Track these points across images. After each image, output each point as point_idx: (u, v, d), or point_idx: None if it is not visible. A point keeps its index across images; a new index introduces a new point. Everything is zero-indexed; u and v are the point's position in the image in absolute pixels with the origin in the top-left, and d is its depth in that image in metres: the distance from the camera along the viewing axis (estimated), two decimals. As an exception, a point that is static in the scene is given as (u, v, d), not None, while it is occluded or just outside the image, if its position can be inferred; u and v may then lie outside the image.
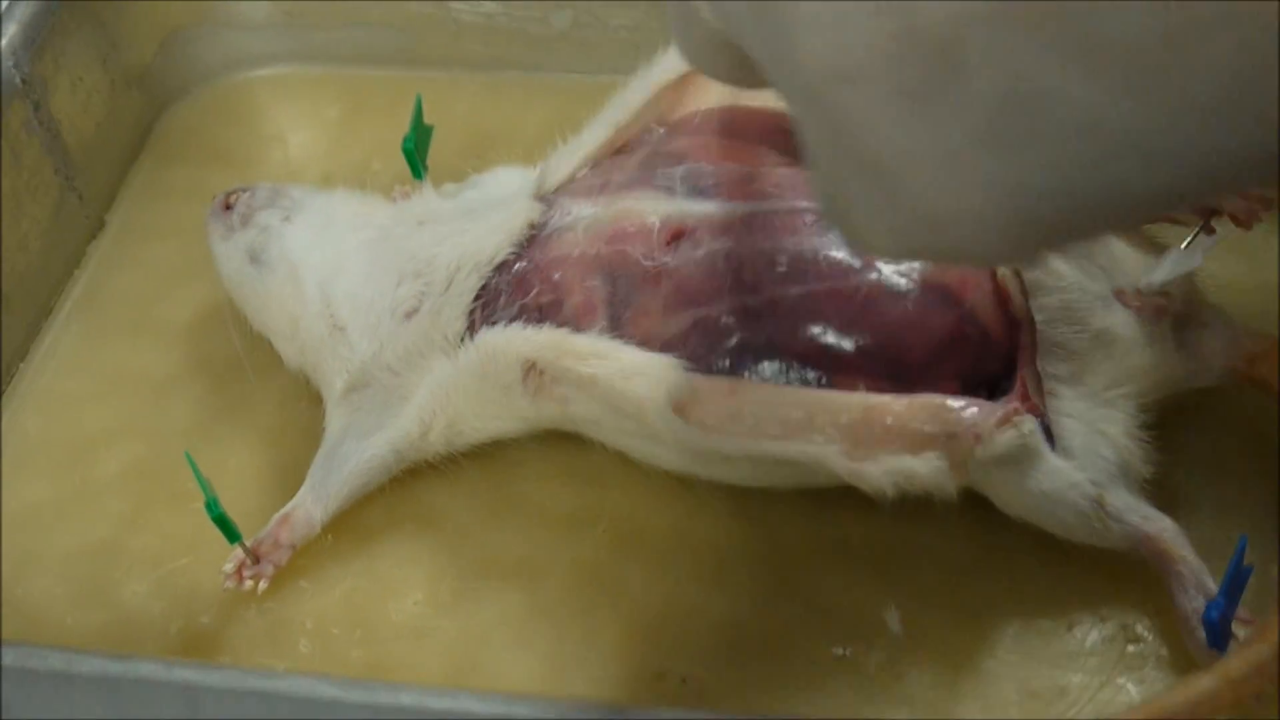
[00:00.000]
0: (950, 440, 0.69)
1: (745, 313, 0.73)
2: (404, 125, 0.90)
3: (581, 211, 0.79)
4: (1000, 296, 0.72)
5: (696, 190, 0.78)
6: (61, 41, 0.94)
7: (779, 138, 0.80)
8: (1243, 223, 0.73)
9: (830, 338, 0.72)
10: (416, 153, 0.89)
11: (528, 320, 0.77)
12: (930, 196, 0.43)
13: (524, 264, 0.79)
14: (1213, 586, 0.67)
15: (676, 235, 0.76)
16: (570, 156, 0.83)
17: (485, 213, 0.81)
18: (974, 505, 0.72)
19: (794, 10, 0.44)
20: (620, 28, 1.01)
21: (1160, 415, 0.73)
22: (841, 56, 0.43)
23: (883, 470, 0.69)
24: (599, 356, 0.74)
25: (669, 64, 0.83)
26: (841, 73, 0.43)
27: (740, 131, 0.81)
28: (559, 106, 1.00)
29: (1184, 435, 0.76)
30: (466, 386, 0.78)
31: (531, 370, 0.76)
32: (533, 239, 0.80)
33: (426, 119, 0.91)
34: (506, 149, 0.90)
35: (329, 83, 1.07)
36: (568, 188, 0.82)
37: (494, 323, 0.77)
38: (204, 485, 0.74)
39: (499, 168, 0.87)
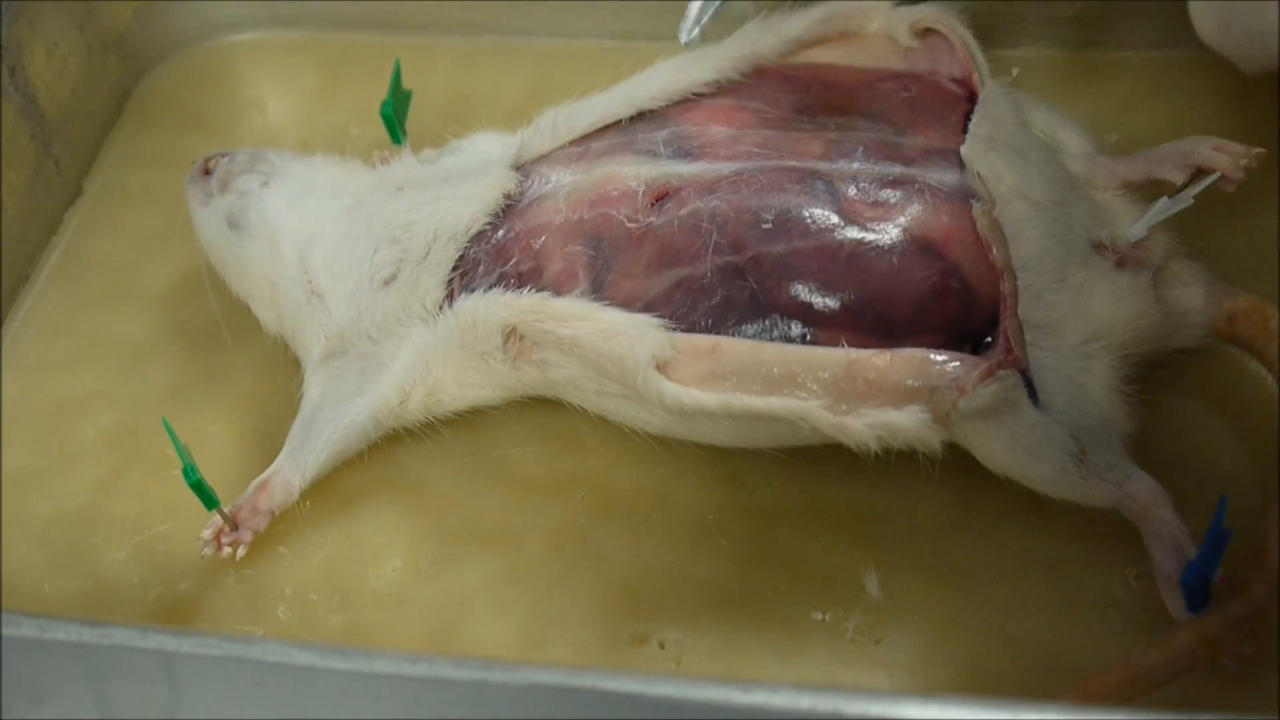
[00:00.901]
0: (933, 394, 0.69)
1: (729, 271, 0.73)
2: (382, 89, 0.89)
3: (561, 179, 0.79)
4: (982, 248, 0.72)
5: (681, 151, 0.78)
6: (38, 6, 0.94)
7: (764, 100, 0.80)
8: (1231, 182, 0.73)
9: (814, 295, 0.72)
10: (395, 118, 0.89)
11: (507, 288, 0.76)
12: None
13: (502, 233, 0.78)
14: (1192, 548, 0.66)
15: (661, 196, 0.76)
16: (555, 134, 0.82)
17: (462, 181, 0.81)
18: (952, 469, 0.72)
19: None
20: (600, -10, 1.01)
21: (1143, 375, 0.73)
22: None
23: (866, 424, 0.69)
24: (580, 318, 0.73)
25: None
26: None
27: (724, 94, 0.82)
28: (538, 71, 1.00)
29: (1166, 396, 0.76)
30: (446, 355, 0.77)
31: (512, 336, 0.76)
32: (510, 209, 0.79)
33: (405, 84, 0.90)
34: (486, 114, 0.89)
35: (307, 48, 1.06)
36: (545, 157, 0.81)
37: (473, 290, 0.77)
38: (181, 452, 0.74)
39: (478, 133, 0.87)
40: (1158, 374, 0.75)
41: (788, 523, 0.76)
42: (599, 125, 0.82)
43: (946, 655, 0.70)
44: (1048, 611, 0.71)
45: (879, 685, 0.69)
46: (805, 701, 0.55)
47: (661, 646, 0.72)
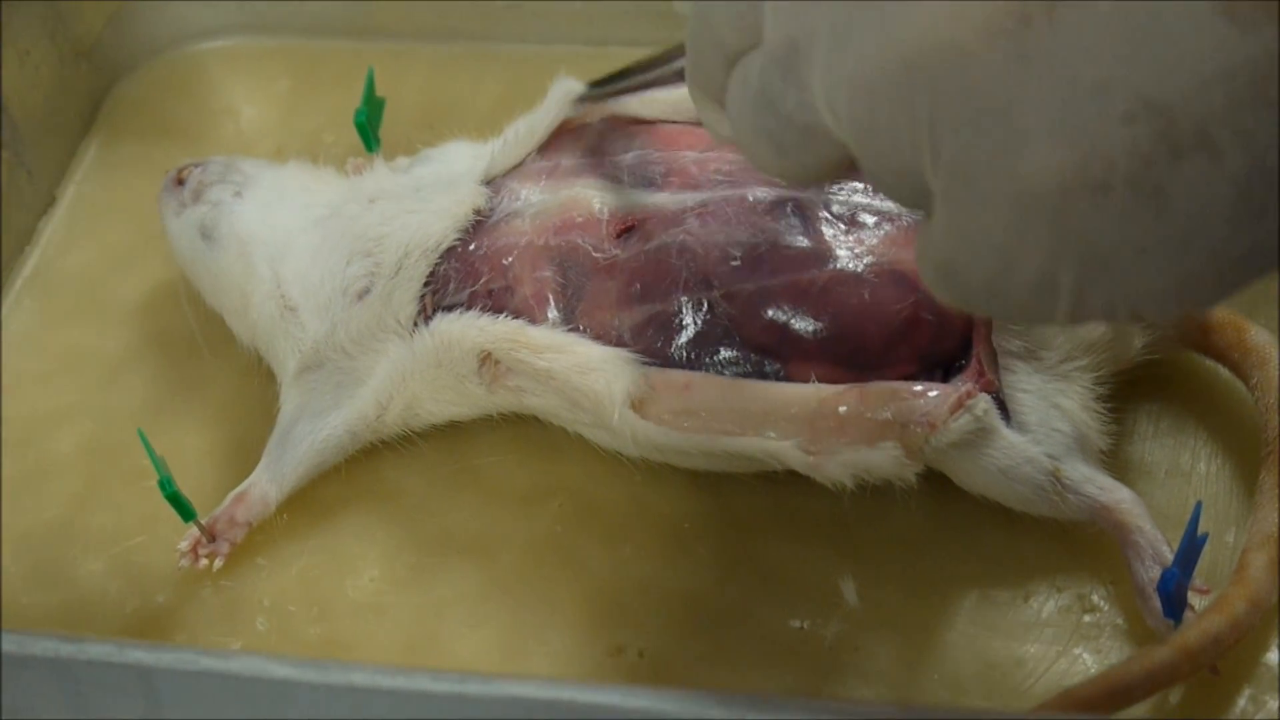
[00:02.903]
0: (904, 429, 0.69)
1: (699, 306, 0.73)
2: (356, 95, 0.89)
3: (530, 197, 0.79)
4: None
5: (645, 180, 0.78)
6: (8, 14, 0.93)
7: None
8: None
9: (786, 329, 0.72)
10: (369, 126, 0.88)
11: (481, 307, 0.76)
12: (1157, 281, 0.45)
13: (472, 249, 0.78)
14: (1169, 556, 0.67)
15: (626, 228, 0.76)
16: (520, 144, 0.82)
17: (433, 194, 0.80)
18: (930, 477, 0.72)
19: (1020, 122, 0.44)
20: (574, -4, 1.01)
21: (1117, 385, 0.74)
22: (1088, 167, 0.44)
23: (839, 463, 0.70)
24: (555, 350, 0.73)
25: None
26: (1089, 182, 0.44)
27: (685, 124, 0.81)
28: (513, 77, 1.00)
29: (1141, 405, 0.76)
30: (423, 373, 0.77)
31: (487, 361, 0.76)
32: (480, 224, 0.79)
33: (379, 91, 0.90)
34: (460, 120, 0.89)
35: (279, 54, 1.06)
36: (516, 171, 0.81)
37: (447, 308, 0.77)
38: (157, 464, 0.74)
39: (450, 142, 0.86)
40: (1131, 384, 0.75)
41: (765, 531, 0.76)
42: (554, 125, 0.82)
43: (924, 664, 0.70)
44: (1025, 620, 0.71)
45: (858, 694, 0.69)
46: (785, 713, 0.55)
47: (640, 656, 0.72)
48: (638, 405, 0.72)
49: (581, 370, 0.73)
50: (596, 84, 0.80)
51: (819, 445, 0.70)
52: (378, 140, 0.89)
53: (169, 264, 0.88)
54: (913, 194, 0.50)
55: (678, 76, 0.70)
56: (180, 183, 0.85)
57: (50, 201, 0.98)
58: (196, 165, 0.86)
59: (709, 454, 0.73)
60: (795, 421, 0.70)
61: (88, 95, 1.03)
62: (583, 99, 0.81)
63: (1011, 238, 0.46)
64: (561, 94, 0.82)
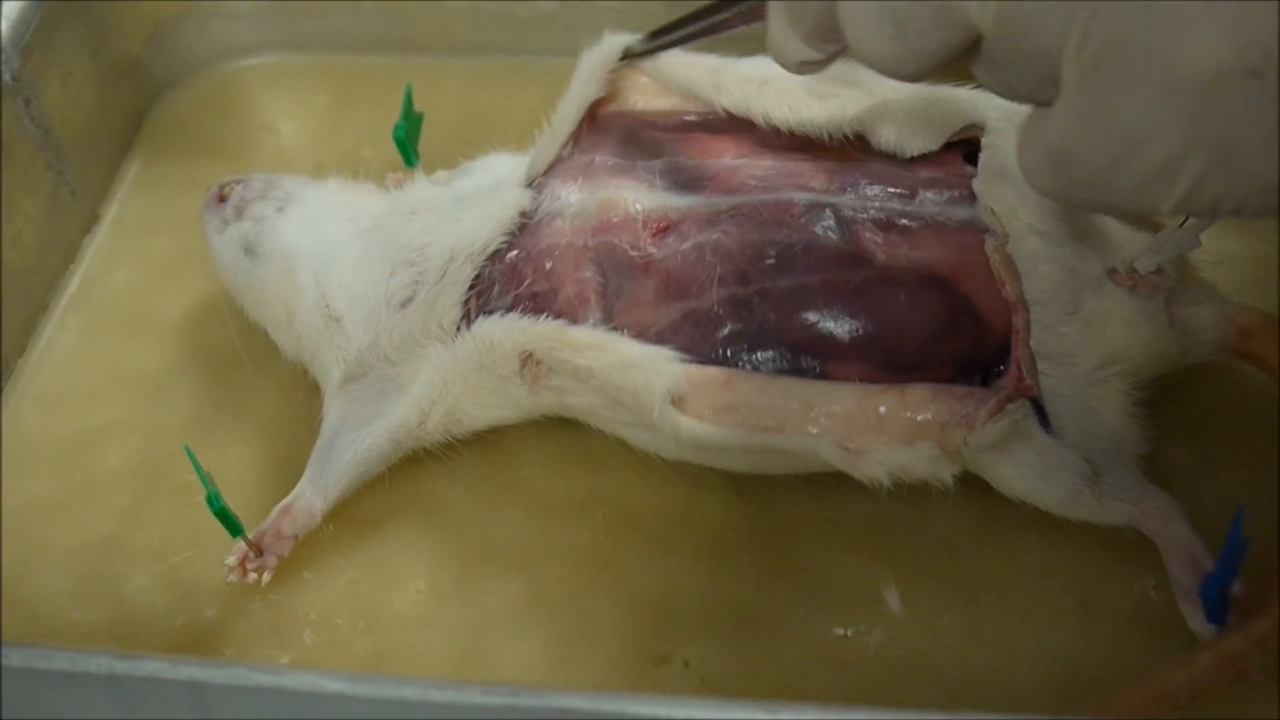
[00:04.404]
0: (943, 429, 0.69)
1: (735, 303, 0.74)
2: (393, 110, 0.90)
3: (569, 197, 0.80)
4: (993, 282, 0.73)
5: (677, 185, 0.78)
6: (50, 36, 0.94)
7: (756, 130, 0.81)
8: None
9: (823, 328, 0.73)
10: (408, 141, 0.89)
11: (524, 310, 0.77)
12: (1275, 172, 0.49)
13: (516, 253, 0.79)
14: (1209, 561, 0.67)
15: (662, 229, 0.76)
16: (554, 138, 0.83)
17: (477, 201, 0.81)
18: (970, 482, 0.72)
19: (1188, 8, 0.47)
20: (608, 9, 1.01)
21: (1156, 390, 0.74)
22: (1246, 53, 0.47)
23: (877, 461, 0.70)
24: (595, 349, 0.74)
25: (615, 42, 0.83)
26: (1244, 68, 0.47)
27: (717, 126, 0.82)
28: (548, 89, 0.99)
29: (1180, 410, 0.77)
30: (465, 376, 0.78)
31: (529, 361, 0.76)
32: (524, 227, 0.80)
33: (417, 105, 0.91)
34: (497, 133, 0.90)
35: (317, 70, 1.07)
36: (555, 169, 0.82)
37: (490, 312, 0.77)
38: (204, 479, 0.74)
39: (490, 154, 0.87)
40: (1170, 389, 0.75)
41: (807, 539, 0.76)
42: (591, 96, 0.83)
43: (969, 670, 0.71)
44: (1068, 624, 0.71)
45: (902, 701, 0.70)
46: (832, 722, 0.56)
47: (685, 665, 0.72)
48: (678, 401, 0.72)
49: (622, 368, 0.73)
50: (655, 33, 0.81)
51: (857, 443, 0.70)
52: (417, 155, 0.90)
53: (212, 279, 0.88)
54: (1034, 79, 0.52)
55: (740, 18, 0.71)
56: (222, 200, 0.86)
57: (93, 219, 0.99)
58: (238, 182, 0.87)
59: (749, 451, 0.73)
60: (834, 419, 0.71)
61: (129, 114, 1.04)
62: (637, 52, 0.82)
63: (1149, 121, 0.49)
64: (594, 63, 0.83)
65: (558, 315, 0.76)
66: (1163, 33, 0.48)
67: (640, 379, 0.73)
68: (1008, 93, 0.56)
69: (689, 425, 0.72)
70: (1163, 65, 0.48)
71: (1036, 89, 0.53)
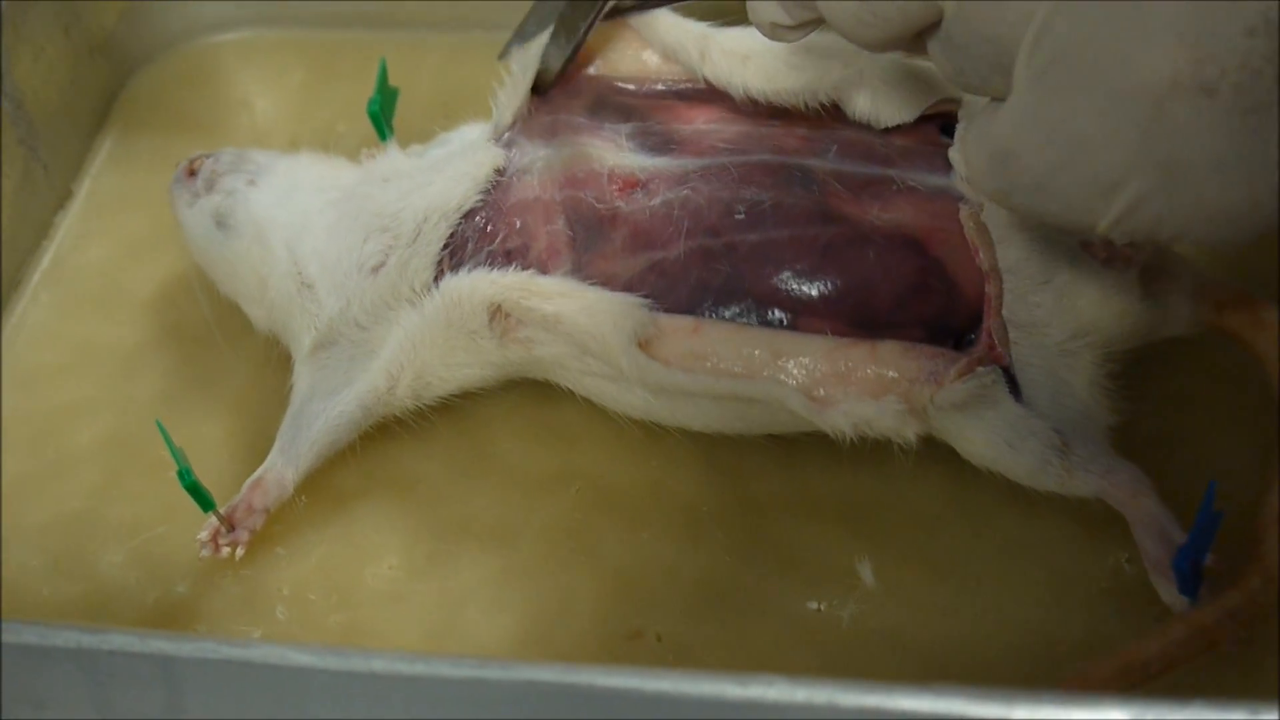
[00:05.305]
0: (910, 386, 0.69)
1: (703, 254, 0.74)
2: (369, 87, 0.89)
3: (537, 152, 0.80)
4: (966, 249, 0.72)
5: (645, 148, 0.78)
6: (23, 12, 0.94)
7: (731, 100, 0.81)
8: None
9: (791, 283, 0.73)
10: (382, 116, 0.89)
11: (494, 265, 0.77)
12: (1218, 201, 0.47)
13: (489, 210, 0.79)
14: (1178, 534, 0.67)
15: (629, 186, 0.76)
16: (514, 85, 0.83)
17: (450, 162, 0.81)
18: (944, 457, 0.72)
19: (1152, 16, 0.46)
20: (586, -14, 1.00)
21: (1128, 362, 0.73)
22: (1202, 69, 0.45)
23: (842, 413, 0.70)
24: (563, 295, 0.74)
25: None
26: (1199, 83, 0.46)
27: (691, 94, 0.82)
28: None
29: (1153, 382, 0.76)
30: (433, 336, 0.77)
31: (497, 313, 0.76)
32: (496, 184, 0.80)
33: (393, 81, 0.90)
34: (473, 110, 0.89)
35: (293, 46, 1.06)
36: (523, 125, 0.82)
37: (461, 270, 0.77)
38: (176, 454, 0.74)
39: (464, 125, 0.87)
40: (1143, 360, 0.75)
41: (781, 513, 0.76)
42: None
43: (942, 643, 0.71)
44: (1041, 598, 0.71)
45: (875, 675, 0.69)
46: (801, 693, 0.56)
47: (658, 639, 0.72)
48: (645, 345, 0.72)
49: (590, 313, 0.73)
50: None
51: (824, 392, 0.70)
52: (391, 130, 0.89)
53: (185, 256, 0.88)
54: (987, 67, 0.51)
55: None
56: (192, 174, 0.85)
57: (66, 196, 0.99)
58: (208, 156, 0.86)
59: (716, 399, 0.73)
60: (803, 368, 0.71)
61: (102, 90, 1.04)
62: (626, 7, 0.83)
63: (1097, 127, 0.48)
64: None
65: (528, 269, 0.76)
66: (1121, 37, 0.47)
67: (608, 322, 0.72)
68: (959, 78, 0.55)
69: (656, 369, 0.72)
70: (1117, 70, 0.47)
71: (989, 77, 0.52)
